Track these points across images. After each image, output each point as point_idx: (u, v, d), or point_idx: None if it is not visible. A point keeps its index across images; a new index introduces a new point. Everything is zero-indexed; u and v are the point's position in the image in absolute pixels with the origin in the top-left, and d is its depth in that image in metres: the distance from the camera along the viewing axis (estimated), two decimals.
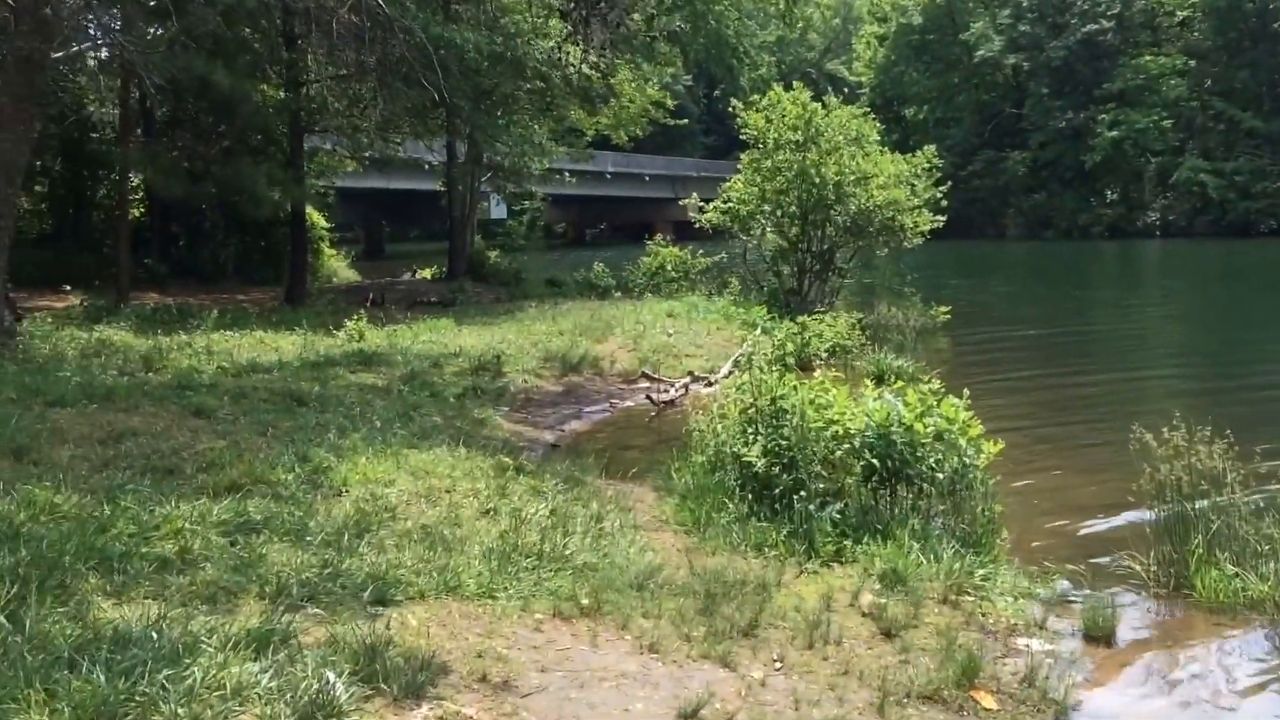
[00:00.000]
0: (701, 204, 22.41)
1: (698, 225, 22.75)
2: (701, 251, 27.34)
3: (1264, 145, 65.59)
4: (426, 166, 37.94)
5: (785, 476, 7.64)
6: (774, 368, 8.40)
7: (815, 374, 16.79)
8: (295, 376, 12.86)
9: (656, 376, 15.14)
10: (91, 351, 13.60)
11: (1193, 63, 69.84)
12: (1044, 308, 30.81)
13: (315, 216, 36.24)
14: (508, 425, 12.40)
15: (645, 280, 26.86)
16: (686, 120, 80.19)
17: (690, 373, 15.31)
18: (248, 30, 22.65)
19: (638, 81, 36.94)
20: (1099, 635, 6.15)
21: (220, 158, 21.83)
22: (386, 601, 5.63)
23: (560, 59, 22.12)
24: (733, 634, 5.78)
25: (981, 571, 6.86)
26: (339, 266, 40.01)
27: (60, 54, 13.65)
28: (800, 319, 17.71)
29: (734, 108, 22.15)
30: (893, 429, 7.54)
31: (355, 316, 18.07)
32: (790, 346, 17.17)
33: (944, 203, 21.17)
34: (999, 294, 34.38)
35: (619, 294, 26.18)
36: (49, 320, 15.66)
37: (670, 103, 42.28)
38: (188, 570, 5.68)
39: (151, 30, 21.18)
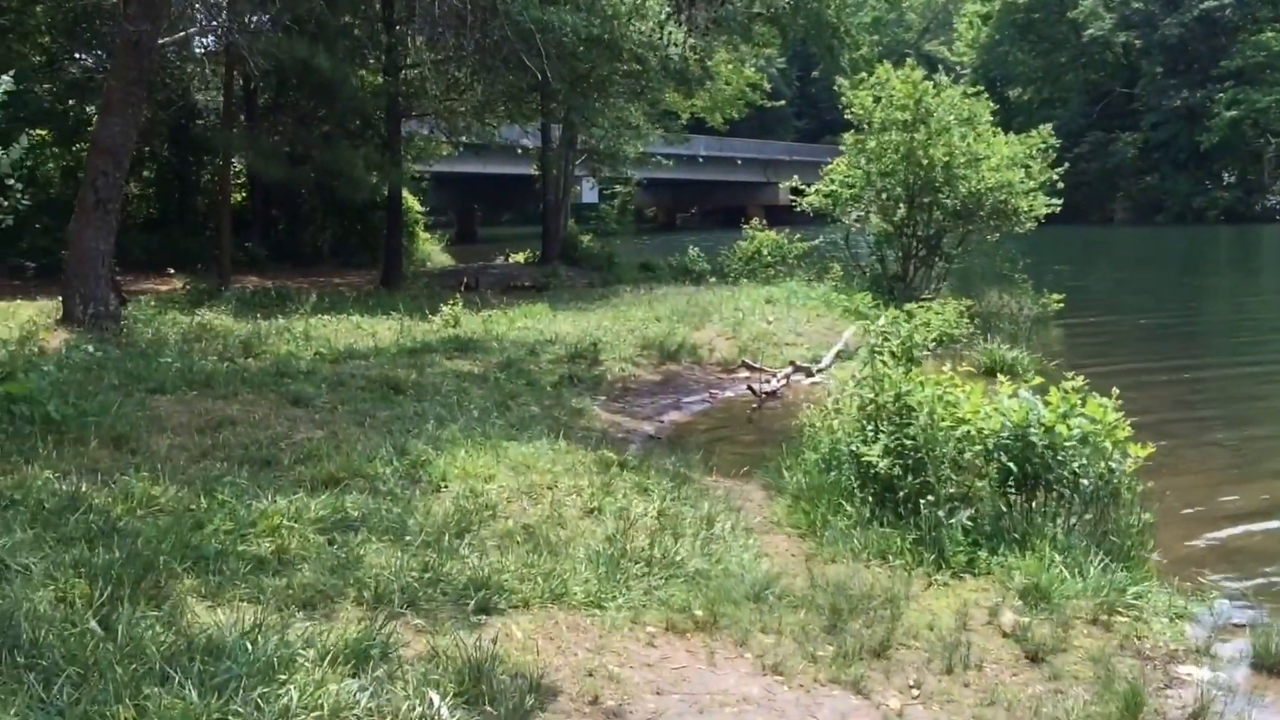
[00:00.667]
0: (802, 187, 21.81)
1: (797, 209, 22.17)
2: (798, 236, 26.74)
3: None
4: (520, 151, 37.88)
5: (911, 479, 7.16)
6: (899, 361, 7.82)
7: (921, 363, 16.31)
8: (392, 363, 12.69)
9: (757, 366, 14.68)
10: (193, 336, 13.62)
11: None
12: (1157, 296, 29.55)
13: (410, 201, 36.46)
14: (605, 415, 12.07)
15: (741, 265, 26.35)
16: (784, 101, 79.34)
17: (792, 362, 14.81)
18: (349, 15, 22.68)
19: (734, 63, 36.30)
20: (1272, 664, 5.55)
21: (319, 142, 21.87)
22: (490, 610, 5.32)
23: (662, 39, 21.58)
24: (862, 655, 5.35)
25: (1133, 589, 6.31)
26: (433, 250, 40.12)
27: (167, 39, 13.63)
28: (907, 307, 17.08)
29: (839, 87, 21.50)
30: (1031, 430, 7.01)
31: (450, 301, 17.92)
32: (896, 336, 16.63)
33: (1060, 185, 20.30)
34: (1108, 281, 33.12)
35: (714, 279, 25.72)
36: (153, 303, 15.78)
37: (765, 85, 41.54)
38: (284, 571, 5.45)
39: (256, 16, 21.30)
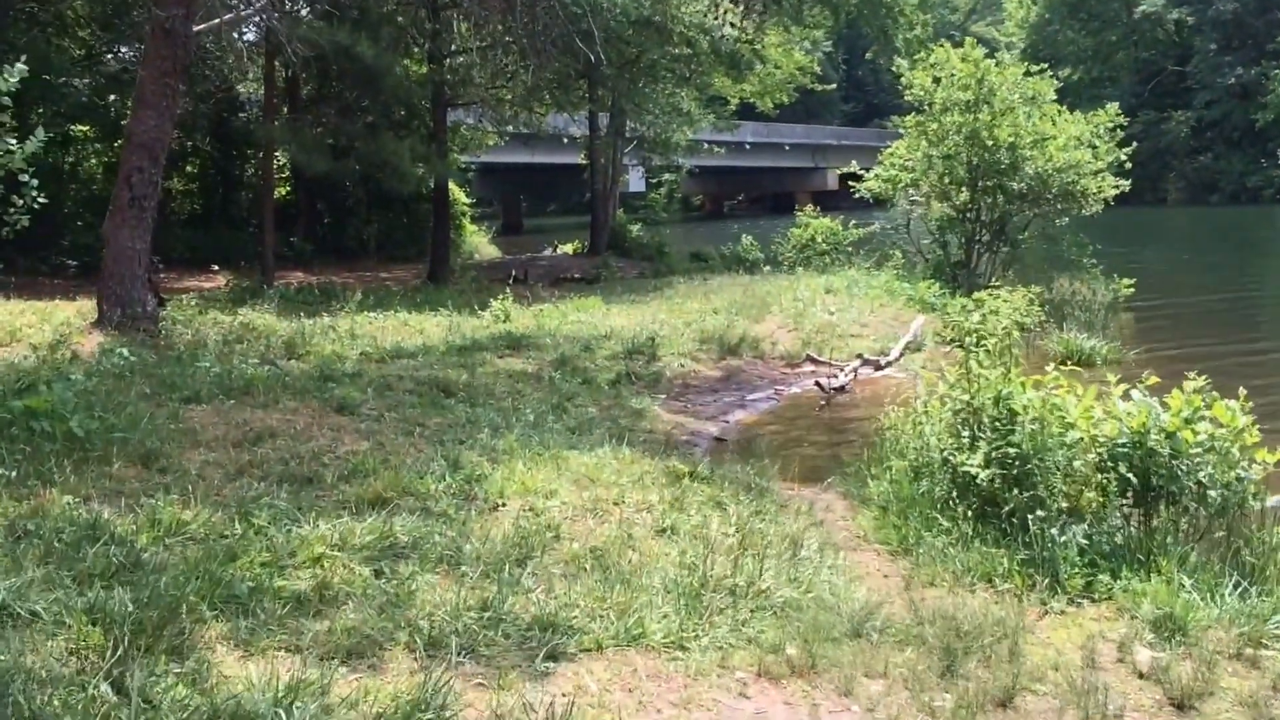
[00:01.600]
0: (860, 171, 20.91)
1: (855, 195, 21.29)
2: (852, 222, 25.85)
3: None
4: (566, 140, 37.29)
5: (1017, 492, 6.39)
6: (999, 360, 7.03)
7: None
8: (441, 363, 12.05)
9: (823, 359, 13.92)
10: (234, 337, 13.03)
11: None
12: (1220, 276, 28.42)
13: (457, 192, 35.99)
14: (667, 415, 11.37)
15: (795, 254, 25.49)
16: (833, 86, 77.99)
17: (859, 355, 14.02)
18: (392, 1, 22.07)
19: (785, 46, 35.37)
20: None
21: (364, 133, 21.27)
22: (558, 656, 4.64)
23: (717, 19, 20.84)
24: (986, 706, 4.61)
25: (1276, 617, 5.51)
26: (480, 242, 39.65)
27: (203, 26, 13.04)
28: (976, 295, 16.20)
29: (898, 68, 20.57)
30: (1152, 436, 6.22)
31: (500, 296, 17.29)
32: (965, 325, 15.77)
33: (1127, 165, 19.28)
34: (1168, 262, 31.87)
35: (768, 268, 24.88)
36: (194, 303, 15.22)
37: (816, 68, 40.55)
38: (326, 611, 4.80)
39: (295, 2, 20.77)
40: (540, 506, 6.57)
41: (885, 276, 19.52)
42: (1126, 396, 6.58)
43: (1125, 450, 6.28)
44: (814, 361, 13.91)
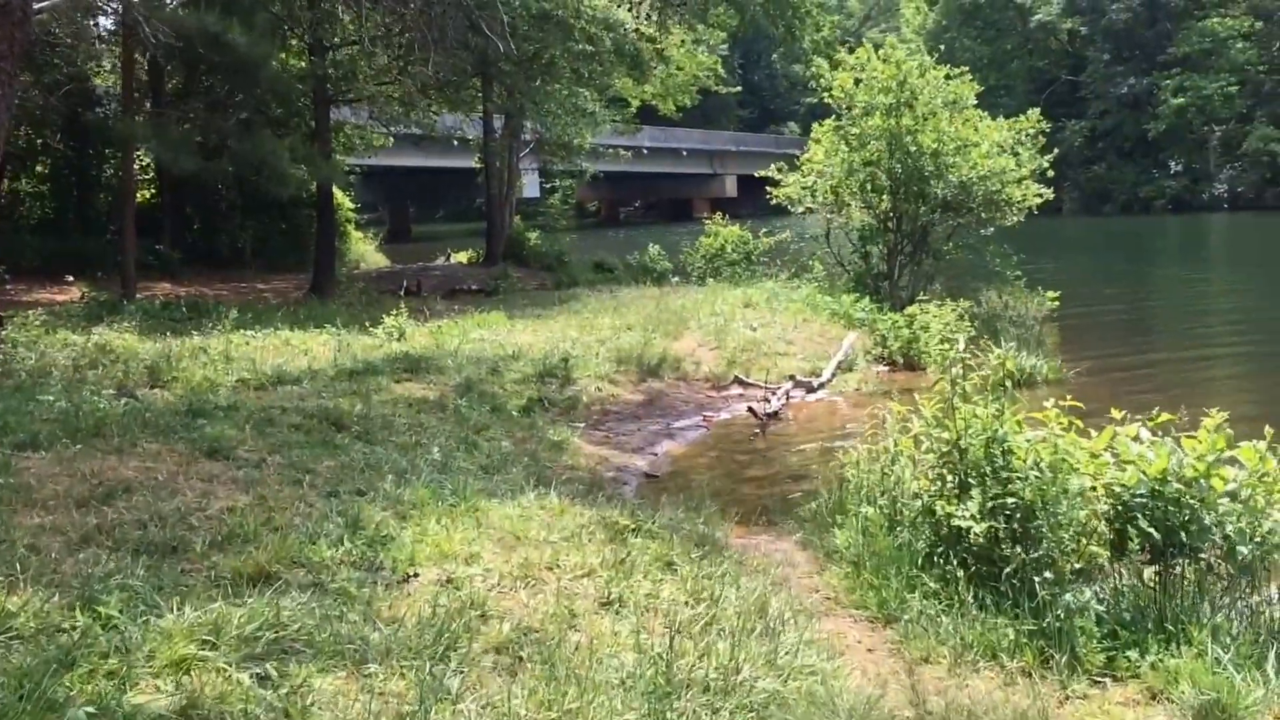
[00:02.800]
0: (778, 176, 20.22)
1: (773, 202, 20.63)
2: (764, 231, 25.21)
3: None
4: (457, 142, 36.13)
5: (1019, 550, 5.61)
6: (990, 394, 6.24)
7: (926, 373, 14.84)
8: (331, 390, 10.88)
9: (751, 381, 13.14)
10: (86, 362, 11.62)
11: (1260, 24, 66.55)
12: (1125, 285, 28.83)
13: (340, 197, 34.57)
14: (589, 448, 10.42)
15: (705, 264, 24.74)
16: (738, 88, 78.06)
17: (790, 377, 13.28)
18: None
19: (688, 45, 34.74)
20: None
21: (237, 131, 19.77)
22: None
23: (627, 11, 20.05)
24: None
25: None
26: (366, 250, 38.27)
27: (46, 3, 11.65)
28: (909, 310, 15.63)
29: (817, 68, 19.96)
30: (1172, 485, 5.50)
31: (394, 311, 16.12)
32: (896, 343, 15.16)
33: (1050, 173, 18.97)
34: (1073, 273, 31.92)
35: (676, 279, 24.12)
36: (41, 320, 13.69)
37: (720, 70, 40.05)
38: None
39: None
40: (460, 576, 5.56)
41: (806, 289, 18.84)
42: (1139, 438, 5.86)
43: (1143, 500, 5.54)
44: (742, 384, 13.12)
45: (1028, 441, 5.85)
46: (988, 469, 5.84)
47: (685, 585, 5.79)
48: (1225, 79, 64.78)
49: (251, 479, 6.98)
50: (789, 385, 12.84)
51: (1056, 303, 18.70)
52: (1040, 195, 18.68)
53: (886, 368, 14.90)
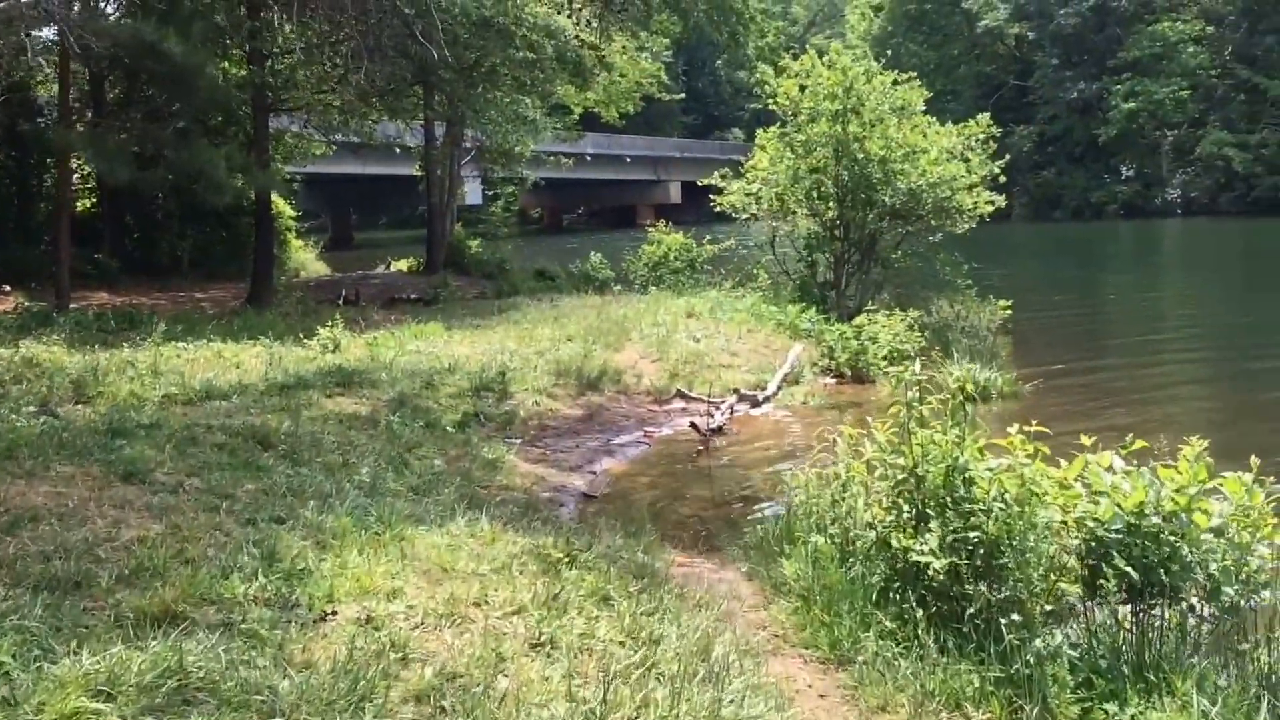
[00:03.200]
0: (722, 184, 20.09)
1: (716, 209, 20.48)
2: (708, 238, 25.06)
3: None
4: (399, 150, 35.65)
5: (983, 589, 5.39)
6: (950, 421, 6.00)
7: (875, 386, 14.74)
8: (260, 406, 10.54)
9: (693, 395, 12.93)
10: (10, 377, 11.22)
11: (1211, 29, 67.56)
12: (1077, 292, 29.19)
13: (281, 205, 34.02)
14: (525, 466, 10.16)
15: (647, 272, 24.53)
16: (682, 95, 77.96)
17: (735, 390, 13.09)
18: None
19: (631, 53, 34.54)
20: None
21: (174, 140, 19.33)
22: None
23: (568, 18, 19.84)
24: None
25: None
26: (306, 259, 37.70)
27: None
28: (857, 320, 15.52)
29: (762, 74, 19.84)
30: (1150, 519, 5.29)
31: (329, 322, 15.77)
32: (843, 354, 15.04)
33: (1002, 179, 18.99)
34: (1022, 279, 32.16)
35: (619, 287, 23.88)
36: None
37: (663, 76, 39.90)
38: None
39: None
40: (381, 614, 5.28)
41: (751, 299, 18.68)
42: (1112, 468, 5.65)
43: (1119, 535, 5.32)
44: (685, 397, 12.92)
45: (991, 471, 5.63)
46: (948, 500, 5.63)
47: (622, 623, 5.55)
48: (1177, 83, 65.74)
49: (166, 505, 6.65)
50: (733, 399, 12.65)
51: (1008, 311, 18.70)
52: (992, 202, 18.67)
53: (834, 380, 14.78)
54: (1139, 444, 5.66)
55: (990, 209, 18.51)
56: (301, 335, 15.63)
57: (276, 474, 7.87)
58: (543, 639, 5.24)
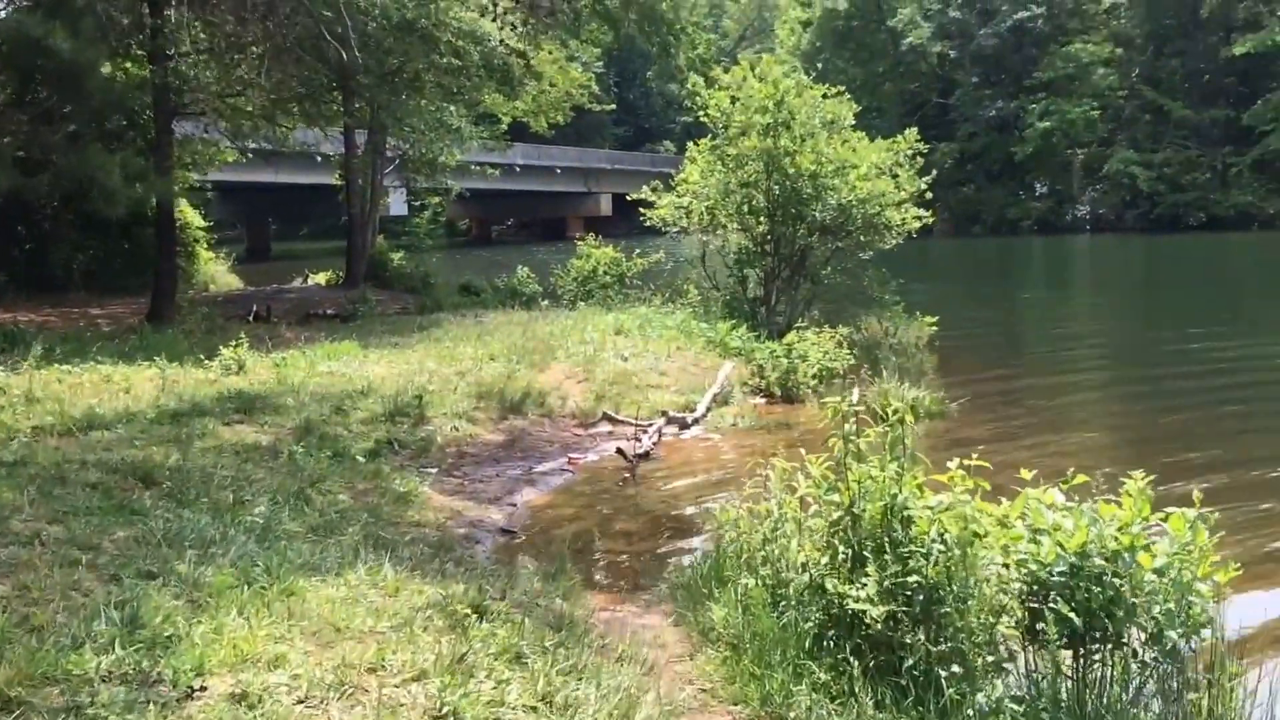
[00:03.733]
0: (652, 198, 19.54)
1: (646, 223, 19.94)
2: (638, 252, 24.51)
3: (1192, 136, 64.99)
4: (320, 158, 34.74)
5: (923, 637, 4.89)
6: (888, 454, 5.47)
7: (805, 406, 14.25)
8: (147, 436, 9.71)
9: (620, 418, 12.33)
10: None
11: (1120, 51, 69.11)
12: (997, 307, 29.38)
13: (189, 214, 32.82)
14: (439, 499, 9.48)
15: (576, 287, 23.90)
16: (613, 106, 77.54)
17: (662, 412, 12.53)
18: None
19: (560, 62, 33.96)
20: None
21: (64, 144, 18.22)
22: None
23: (493, 22, 19.23)
24: None
25: None
26: (217, 271, 36.34)
27: None
28: (787, 338, 15.04)
29: (693, 84, 19.34)
30: (1093, 560, 4.84)
31: (234, 341, 14.86)
32: (774, 373, 14.55)
33: (929, 195, 18.72)
34: (943, 294, 32.07)
35: (547, 303, 23.22)
36: None
37: (593, 86, 39.37)
38: None
39: None
40: (258, 688, 4.59)
41: (681, 315, 18.13)
42: (1055, 505, 5.19)
43: (1062, 579, 4.87)
44: (611, 420, 12.32)
45: (930, 509, 5.13)
46: (885, 540, 5.11)
47: (536, 685, 4.92)
48: (1088, 104, 67.11)
49: (17, 561, 5.86)
50: (661, 422, 12.09)
51: (934, 328, 18.41)
52: (920, 218, 18.37)
53: (764, 400, 14.29)
54: (1080, 478, 5.22)
55: (918, 225, 18.19)
56: (203, 356, 14.73)
57: (154, 518, 7.07)
58: (445, 711, 4.60)
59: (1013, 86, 70.59)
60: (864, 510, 5.28)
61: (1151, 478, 5.12)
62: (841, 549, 5.38)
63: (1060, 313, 28.66)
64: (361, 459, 10.25)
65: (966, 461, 5.30)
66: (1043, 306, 30.17)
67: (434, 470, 10.41)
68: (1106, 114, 67.66)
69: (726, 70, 19.09)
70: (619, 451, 10.91)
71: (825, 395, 14.30)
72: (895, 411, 5.38)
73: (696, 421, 12.55)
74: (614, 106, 77.24)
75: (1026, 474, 5.23)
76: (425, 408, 11.96)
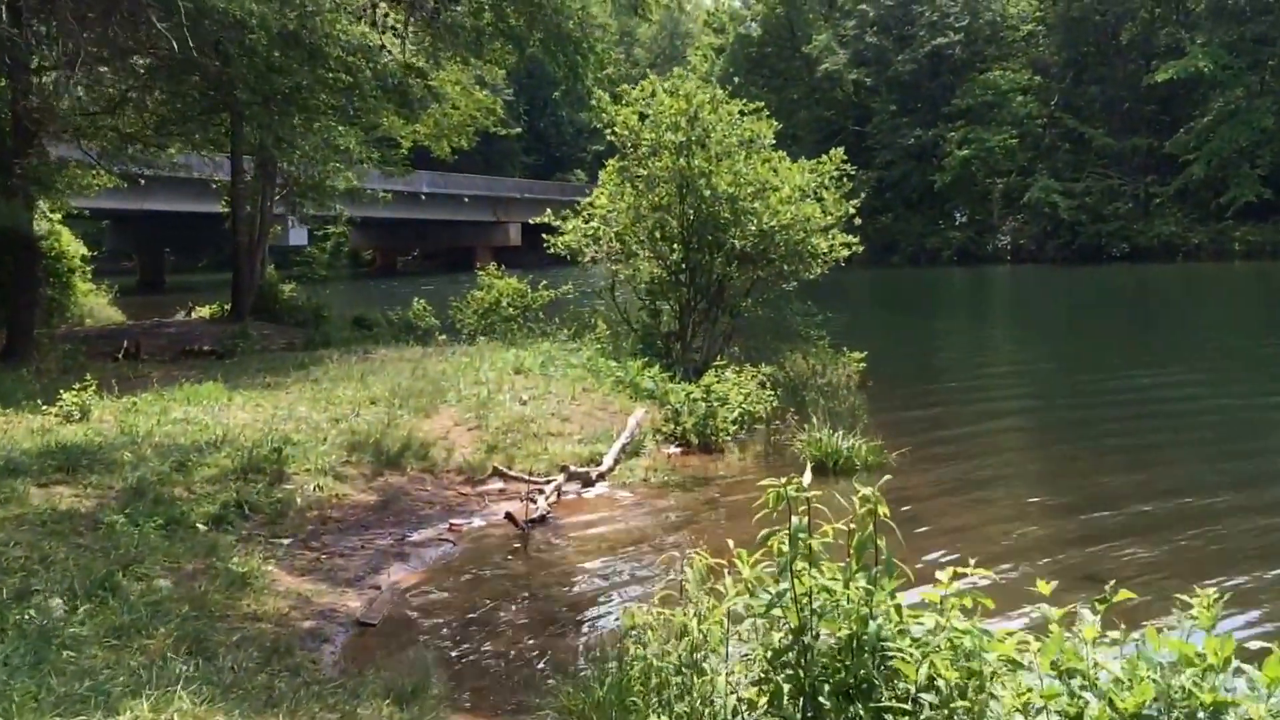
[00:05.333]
0: (556, 223, 18.11)
1: (549, 250, 18.49)
2: (544, 283, 23.02)
3: (1113, 165, 65.12)
4: (215, 184, 32.81)
5: None
6: (859, 565, 4.03)
7: (725, 456, 12.89)
8: None
9: (515, 474, 10.83)
10: None
11: (1039, 78, 69.40)
12: (921, 340, 28.59)
13: (67, 242, 30.85)
14: (288, 580, 7.91)
15: (477, 320, 22.29)
16: (519, 130, 76.08)
17: (563, 467, 11.04)
18: None
19: (464, 83, 32.41)
20: None
21: None
22: None
23: (381, 39, 17.84)
24: None
25: None
26: (98, 304, 34.25)
27: None
28: (704, 379, 13.65)
29: (599, 100, 17.96)
30: (1180, 703, 3.45)
31: (81, 383, 13.09)
32: (690, 419, 13.15)
33: (857, 220, 17.58)
34: (861, 326, 31.14)
35: (444, 337, 21.60)
36: None
37: (499, 110, 37.84)
38: None
39: None
40: None
41: (587, 352, 16.64)
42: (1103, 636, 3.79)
43: None
44: (503, 476, 10.82)
45: (917, 642, 3.72)
46: (851, 683, 3.71)
47: None
48: (1007, 131, 67.05)
49: None
50: (561, 479, 10.61)
51: (863, 365, 17.23)
52: (848, 245, 17.20)
53: (679, 449, 12.86)
54: (1122, 595, 3.86)
55: (845, 253, 16.98)
56: (42, 401, 12.95)
57: None
58: None
59: (931, 114, 70.40)
60: (820, 639, 3.88)
61: (1224, 597, 3.77)
62: (788, 689, 3.97)
63: (986, 346, 27.87)
64: (202, 527, 8.69)
65: (962, 569, 3.92)
66: (968, 340, 29.34)
67: (287, 541, 8.84)
68: (1026, 142, 67.56)
69: (682, 75, 17.59)
70: (509, 517, 9.41)
71: (747, 443, 13.16)
72: (863, 500, 3.97)
73: (602, 477, 11.11)
74: (520, 131, 76.10)
75: (1045, 587, 3.85)
76: (285, 462, 10.36)
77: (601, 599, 7.83)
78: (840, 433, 11.87)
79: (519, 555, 8.89)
